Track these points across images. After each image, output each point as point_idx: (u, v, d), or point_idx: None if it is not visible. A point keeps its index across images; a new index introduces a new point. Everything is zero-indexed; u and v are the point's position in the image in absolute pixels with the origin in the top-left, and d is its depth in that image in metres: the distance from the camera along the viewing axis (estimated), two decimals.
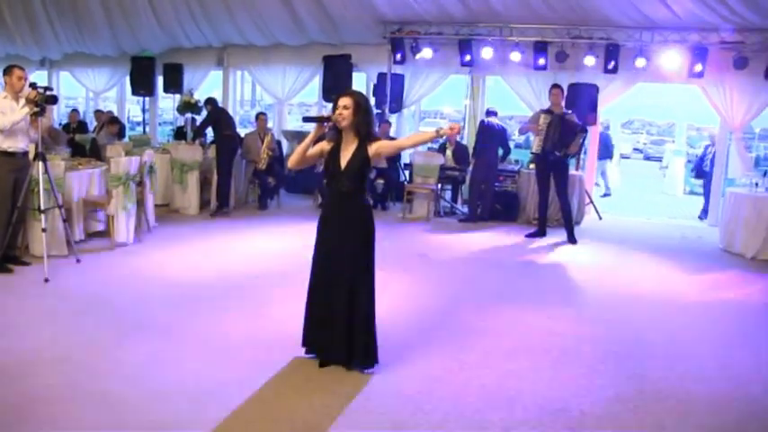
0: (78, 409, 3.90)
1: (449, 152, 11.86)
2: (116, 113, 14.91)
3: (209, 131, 11.44)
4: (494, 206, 11.14)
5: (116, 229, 8.11)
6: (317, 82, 13.93)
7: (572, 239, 9.57)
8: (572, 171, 10.76)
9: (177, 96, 14.71)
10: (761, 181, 9.61)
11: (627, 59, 11.05)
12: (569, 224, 9.73)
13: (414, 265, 7.92)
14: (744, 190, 9.71)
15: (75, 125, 13.98)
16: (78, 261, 7.29)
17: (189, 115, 13.71)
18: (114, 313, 5.68)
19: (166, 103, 16.78)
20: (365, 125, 4.45)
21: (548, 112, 9.50)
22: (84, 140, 12.84)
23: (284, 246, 8.76)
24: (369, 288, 4.58)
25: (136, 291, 6.40)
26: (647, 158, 30.01)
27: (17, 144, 6.77)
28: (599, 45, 11.12)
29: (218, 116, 11.01)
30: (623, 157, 23.96)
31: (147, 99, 15.64)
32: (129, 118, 19.52)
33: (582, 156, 11.88)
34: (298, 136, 13.81)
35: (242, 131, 15.20)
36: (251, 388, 4.26)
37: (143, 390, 4.19)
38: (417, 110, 14.05)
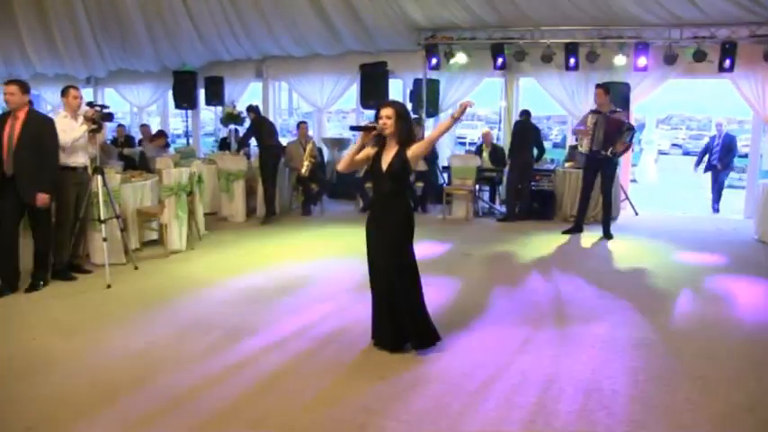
0: (147, 400, 4.27)
1: (485, 154, 12.14)
2: (160, 127, 15.45)
3: (253, 141, 11.74)
4: (531, 205, 11.39)
5: (169, 237, 8.55)
6: (354, 90, 14.29)
7: (608, 235, 9.78)
8: None
9: (218, 108, 15.22)
10: None
11: (657, 57, 11.22)
12: (607, 220, 9.94)
13: (457, 263, 8.22)
14: None
15: (123, 139, 14.54)
16: (136, 268, 7.71)
17: (232, 126, 14.17)
18: (174, 314, 6.09)
19: (205, 114, 17.31)
20: (405, 132, 4.87)
21: (596, 112, 9.71)
22: (132, 154, 13.38)
23: (330, 248, 9.13)
24: (413, 277, 4.98)
25: (192, 293, 6.79)
26: (686, 153, 29.83)
27: (78, 159, 7.22)
28: (629, 44, 11.30)
29: (260, 126, 11.28)
30: (661, 153, 23.94)
31: (188, 112, 16.18)
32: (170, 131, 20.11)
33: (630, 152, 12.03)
34: (337, 143, 14.25)
35: (282, 140, 15.71)
36: (303, 379, 4.62)
37: (206, 381, 4.56)
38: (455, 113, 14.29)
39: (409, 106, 12.04)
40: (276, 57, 14.60)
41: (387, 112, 4.84)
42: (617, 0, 10.47)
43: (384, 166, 4.88)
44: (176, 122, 19.47)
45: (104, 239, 7.14)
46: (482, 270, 8.00)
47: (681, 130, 34.71)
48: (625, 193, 12.09)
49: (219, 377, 4.63)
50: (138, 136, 15.31)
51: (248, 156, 11.78)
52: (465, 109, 4.83)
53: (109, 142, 13.72)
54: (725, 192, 13.04)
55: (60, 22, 13.63)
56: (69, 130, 7.02)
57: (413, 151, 4.84)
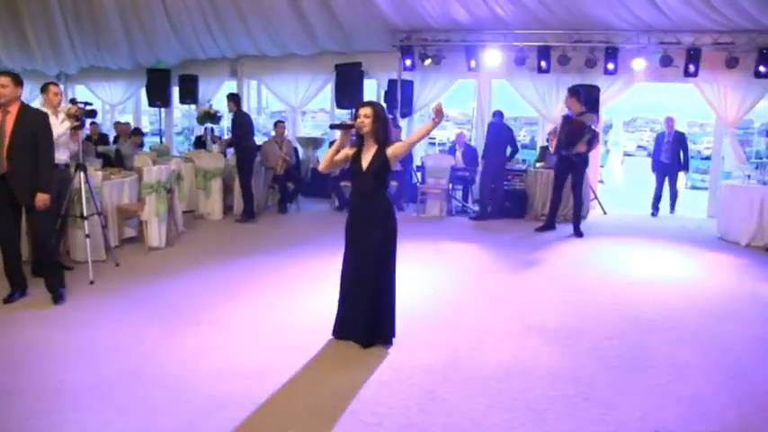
0: (144, 389, 4.40)
1: (459, 153, 12.38)
2: (132, 125, 15.42)
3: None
4: (503, 204, 11.66)
5: (149, 234, 8.60)
6: (329, 90, 14.43)
7: (578, 233, 10.08)
8: None
9: (191, 107, 15.25)
10: (753, 173, 10.16)
11: (626, 61, 11.58)
12: (577, 219, 10.25)
13: (431, 259, 8.45)
14: (738, 182, 10.26)
15: (97, 137, 14.49)
16: (117, 265, 7.78)
17: (208, 125, 14.23)
18: (159, 309, 6.19)
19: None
20: (382, 131, 5.00)
21: (566, 117, 10.08)
22: (107, 151, 13.35)
23: (307, 243, 9.29)
24: (391, 275, 5.15)
25: (176, 288, 6.91)
26: (650, 155, 30.27)
27: (60, 156, 7.05)
28: (599, 48, 11.64)
29: (246, 119, 11.18)
30: (627, 154, 24.40)
31: (162, 110, 16.15)
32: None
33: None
34: (312, 142, 14.37)
35: (255, 140, 15.78)
36: (293, 366, 4.80)
37: (198, 371, 4.71)
38: (427, 114, 14.53)
39: (384, 106, 12.21)
40: (251, 56, 14.70)
41: (365, 111, 4.97)
42: (588, 6, 10.80)
43: (364, 165, 5.00)
44: (146, 120, 19.40)
45: (87, 236, 7.16)
46: (456, 266, 8.22)
47: (645, 132, 35.31)
48: (594, 193, 12.43)
49: (210, 368, 4.77)
50: (110, 133, 15.29)
51: (225, 154, 11.87)
52: (441, 110, 4.91)
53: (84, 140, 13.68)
54: (692, 192, 13.27)
55: (33, 17, 13.58)
56: (53, 127, 6.83)
57: (393, 151, 4.98)
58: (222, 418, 4.00)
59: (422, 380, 4.60)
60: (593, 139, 10.00)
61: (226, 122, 16.43)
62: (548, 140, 10.96)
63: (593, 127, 10.07)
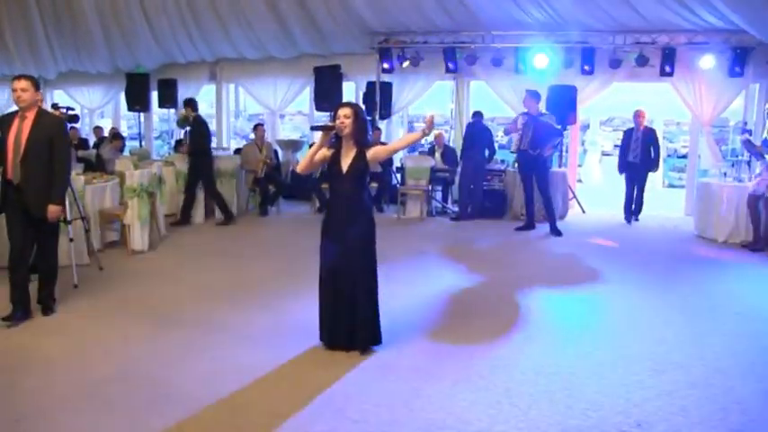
0: (131, 390, 4.44)
1: (438, 154, 12.46)
2: (105, 129, 15.35)
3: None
4: (483, 204, 11.74)
5: (132, 238, 8.60)
6: (307, 92, 14.47)
7: (555, 231, 10.20)
8: (555, 168, 11.48)
9: (170, 111, 15.21)
10: (729, 171, 10.35)
11: (602, 61, 11.74)
12: (552, 217, 10.39)
13: (412, 260, 8.52)
14: (714, 180, 10.44)
15: (77, 142, 14.42)
16: (101, 269, 7.76)
17: (188, 129, 14.19)
18: (144, 311, 6.21)
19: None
20: (362, 132, 4.97)
21: (526, 114, 10.20)
22: (87, 156, 13.30)
23: (289, 245, 9.34)
24: (373, 277, 5.12)
25: (159, 291, 6.93)
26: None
27: None
28: (576, 48, 11.79)
29: (204, 125, 11.12)
30: (605, 154, 24.60)
31: (140, 114, 16.08)
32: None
33: (564, 153, 12.55)
34: (292, 145, 14.41)
35: (233, 143, 15.82)
36: (279, 366, 4.86)
37: (183, 372, 4.76)
38: (405, 115, 14.63)
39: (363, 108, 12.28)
40: (230, 59, 14.70)
41: (345, 111, 4.92)
42: (564, 7, 10.92)
43: (344, 167, 4.97)
44: (124, 125, 19.30)
45: (71, 240, 7.16)
46: (437, 266, 8.30)
47: (622, 132, 35.58)
48: (573, 192, 12.56)
49: (197, 370, 4.81)
50: (89, 138, 15.22)
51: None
52: (432, 122, 4.93)
53: None
54: (669, 191, 13.25)
55: (13, 21, 13.54)
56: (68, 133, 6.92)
57: (373, 155, 4.99)
58: (208, 419, 4.05)
59: (407, 377, 4.67)
60: (560, 143, 10.15)
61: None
62: (506, 134, 11.16)
63: (557, 128, 10.26)
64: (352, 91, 14.15)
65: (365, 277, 5.06)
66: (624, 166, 11.47)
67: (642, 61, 11.43)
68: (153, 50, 14.29)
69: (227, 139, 15.94)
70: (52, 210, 5.71)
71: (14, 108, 5.79)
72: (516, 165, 11.73)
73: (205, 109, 18.22)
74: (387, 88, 13.25)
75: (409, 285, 7.17)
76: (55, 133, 5.76)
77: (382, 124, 13.28)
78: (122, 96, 15.89)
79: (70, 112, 7.36)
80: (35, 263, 6.04)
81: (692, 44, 11.26)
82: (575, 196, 12.61)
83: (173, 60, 14.84)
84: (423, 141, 16.01)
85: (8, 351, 5.16)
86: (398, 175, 12.79)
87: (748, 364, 5.04)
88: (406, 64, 12.63)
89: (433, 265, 8.37)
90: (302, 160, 5.19)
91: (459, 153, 12.19)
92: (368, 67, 13.20)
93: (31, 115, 5.67)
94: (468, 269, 8.15)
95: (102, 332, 5.62)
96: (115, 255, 8.55)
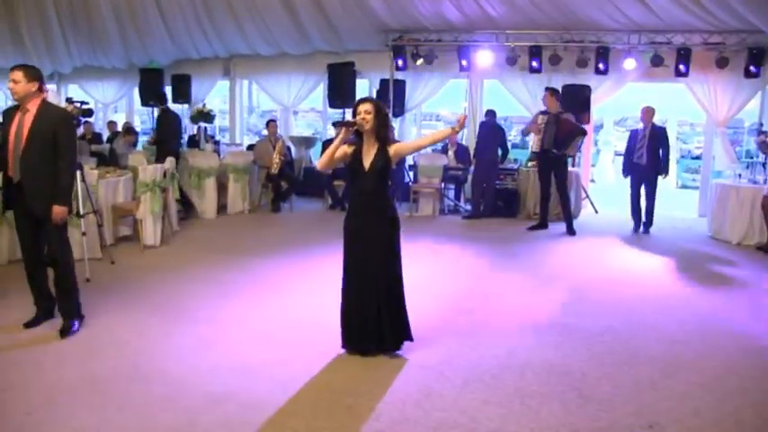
0: (142, 386, 4.46)
1: (451, 153, 12.43)
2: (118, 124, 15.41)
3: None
4: (495, 203, 11.72)
5: (144, 232, 8.64)
6: (321, 89, 14.47)
7: (571, 231, 10.16)
8: (569, 168, 11.40)
9: (184, 107, 15.25)
10: (744, 172, 10.27)
11: (617, 61, 11.68)
12: (569, 217, 10.33)
13: (424, 258, 8.49)
14: (729, 181, 10.38)
15: (91, 136, 14.50)
16: (113, 263, 7.82)
17: (202, 124, 14.26)
18: (156, 306, 6.23)
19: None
20: (384, 128, 4.85)
21: (545, 113, 10.13)
22: (100, 151, 13.37)
23: (302, 241, 9.34)
24: (400, 276, 5.00)
25: (172, 286, 6.96)
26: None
27: None
28: (590, 48, 11.74)
29: (172, 119, 11.04)
30: (618, 154, 24.47)
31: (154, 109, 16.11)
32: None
33: (578, 154, 12.47)
34: (305, 141, 14.42)
35: (246, 139, 15.85)
36: (290, 363, 4.87)
37: (196, 368, 4.77)
38: (418, 113, 14.60)
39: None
40: (244, 55, 14.73)
41: (366, 107, 4.79)
42: (579, 6, 10.88)
43: (366, 164, 4.83)
44: (137, 120, 19.36)
45: (83, 234, 7.20)
46: (449, 264, 8.29)
47: None
48: (586, 192, 12.51)
49: (209, 365, 4.82)
50: (103, 132, 15.29)
51: (218, 152, 11.90)
52: (464, 121, 4.87)
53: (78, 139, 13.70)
54: (683, 192, 13.08)
55: (29, 17, 13.61)
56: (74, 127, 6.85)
57: (396, 150, 4.87)
58: (220, 415, 4.06)
59: (417, 376, 4.67)
60: (582, 143, 10.06)
61: (219, 122, 16.54)
62: (523, 134, 11.08)
63: (582, 127, 10.17)
64: (365, 88, 14.11)
65: (392, 276, 4.95)
66: (628, 168, 10.61)
67: (657, 61, 11.36)
68: (167, 46, 14.36)
69: (241, 136, 16.00)
70: (57, 211, 5.25)
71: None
72: (529, 164, 11.71)
73: (218, 105, 18.39)
74: (400, 86, 13.23)
75: (420, 283, 7.13)
76: (58, 127, 5.28)
77: (395, 122, 13.25)
78: (136, 91, 15.94)
79: (84, 107, 7.35)
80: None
81: (707, 44, 11.18)
82: (587, 196, 12.56)
83: (186, 56, 14.91)
84: None
85: (20, 345, 5.18)
86: (411, 173, 12.78)
87: (762, 366, 5.01)
88: (419, 62, 12.61)
89: (445, 263, 8.36)
90: (322, 157, 5.02)
91: (471, 152, 12.15)
92: (381, 65, 13.19)
93: (33, 108, 5.25)
94: (480, 268, 8.15)
95: (114, 327, 5.63)
96: (128, 249, 8.60)
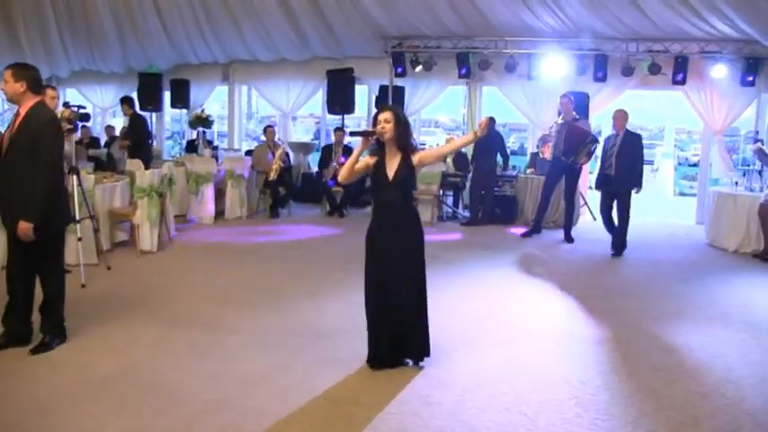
0: (137, 392, 4.42)
1: (449, 159, 12.43)
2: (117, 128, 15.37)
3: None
4: (493, 210, 11.72)
5: (141, 238, 8.58)
6: (320, 95, 14.47)
7: (569, 238, 10.16)
8: None
9: (182, 112, 15.26)
10: (740, 180, 10.30)
11: (615, 68, 11.71)
12: (569, 225, 10.35)
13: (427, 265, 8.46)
14: (726, 189, 10.40)
15: (88, 141, 14.48)
16: (109, 268, 7.75)
17: (200, 129, 14.25)
18: (152, 312, 6.18)
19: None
20: (405, 136, 4.72)
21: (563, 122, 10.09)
22: (98, 155, 13.35)
23: (299, 249, 9.32)
24: (424, 288, 4.92)
25: (168, 292, 6.91)
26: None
27: None
28: (589, 55, 11.75)
29: (142, 124, 11.06)
30: None
31: (153, 114, 16.08)
32: None
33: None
34: (303, 147, 14.43)
35: (245, 145, 15.84)
36: (289, 370, 4.84)
37: (194, 374, 4.74)
38: (418, 119, 14.60)
39: (374, 112, 12.28)
40: (243, 60, 14.72)
41: (385, 115, 4.66)
42: (578, 14, 10.89)
43: (390, 174, 4.69)
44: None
45: (79, 239, 7.16)
46: (448, 271, 8.25)
47: None
48: (584, 199, 12.51)
49: (205, 372, 4.79)
50: (101, 137, 15.28)
51: (216, 158, 11.89)
52: (486, 125, 4.81)
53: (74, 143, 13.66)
54: (680, 199, 13.03)
55: (27, 19, 13.57)
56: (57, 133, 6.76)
57: (420, 159, 4.74)
58: (217, 423, 4.03)
59: (416, 384, 4.64)
60: (594, 150, 9.87)
61: (217, 126, 16.50)
62: (538, 147, 11.06)
63: (594, 135, 10.12)
64: (364, 94, 14.18)
65: (417, 288, 4.85)
66: (600, 180, 9.71)
67: (655, 69, 11.40)
68: (166, 51, 14.35)
69: (239, 141, 15.99)
70: (21, 227, 4.74)
71: None
72: (528, 170, 11.72)
73: (218, 110, 18.38)
74: (399, 92, 13.22)
75: None
76: (40, 132, 4.79)
77: None
78: (134, 96, 15.88)
79: (81, 111, 7.29)
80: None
81: (704, 53, 11.25)
82: (586, 203, 12.56)
83: (185, 61, 14.88)
84: (434, 145, 15.94)
85: (12, 351, 5.09)
86: None
87: (760, 375, 4.99)
88: (418, 68, 12.62)
89: (442, 269, 8.33)
90: (343, 169, 4.82)
91: (470, 158, 12.15)
92: (381, 71, 13.21)
93: (23, 111, 4.87)
94: (477, 274, 8.14)
95: (109, 332, 5.58)
96: (124, 255, 8.55)
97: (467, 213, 12.21)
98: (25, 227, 4.74)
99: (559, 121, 10.08)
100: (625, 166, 9.07)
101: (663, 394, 4.56)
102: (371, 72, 13.51)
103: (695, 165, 16.14)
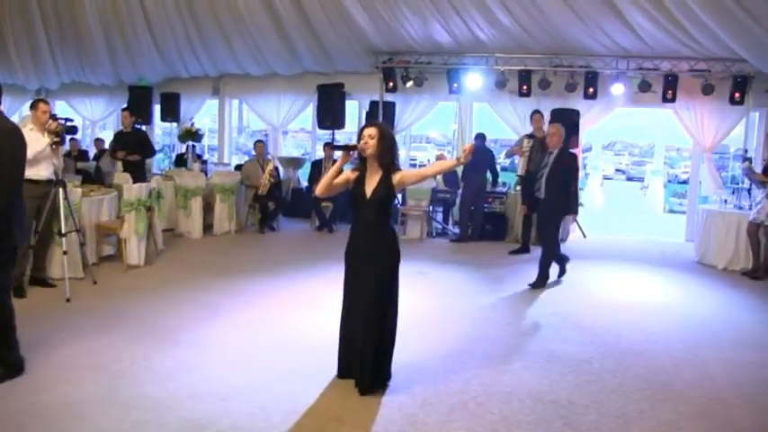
0: (121, 410, 4.35)
1: (439, 176, 12.42)
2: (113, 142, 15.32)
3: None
4: (483, 226, 11.69)
5: (128, 252, 8.51)
6: (311, 110, 14.44)
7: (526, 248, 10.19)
8: None
9: (172, 125, 15.21)
10: (729, 198, 10.33)
11: (605, 86, 11.74)
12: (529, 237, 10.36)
13: (412, 281, 8.40)
14: (715, 207, 10.42)
15: (77, 153, 14.42)
16: (95, 282, 7.69)
17: (190, 143, 14.21)
18: (136, 328, 6.10)
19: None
20: (389, 154, 4.62)
21: (531, 136, 10.14)
22: (86, 168, 13.29)
23: (288, 263, 9.24)
24: (395, 312, 4.86)
25: (155, 308, 6.84)
26: (629, 179, 30.71)
27: (40, 172, 6.99)
28: (579, 73, 11.79)
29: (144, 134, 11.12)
30: (606, 178, 24.64)
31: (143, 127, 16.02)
32: None
33: None
34: (293, 162, 14.38)
35: (235, 159, 15.78)
36: (273, 388, 4.78)
37: (177, 392, 4.66)
38: (408, 135, 14.60)
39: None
40: (233, 75, 14.67)
41: (370, 131, 4.59)
42: (569, 31, 10.93)
43: (368, 192, 4.63)
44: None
45: (65, 253, 7.09)
46: (437, 289, 8.23)
47: (624, 156, 35.71)
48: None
49: (190, 389, 4.72)
50: (90, 149, 15.21)
51: (206, 172, 11.83)
52: (471, 151, 4.74)
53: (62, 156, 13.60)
54: (670, 216, 12.98)
55: (16, 32, 13.52)
56: (35, 143, 6.66)
57: (400, 179, 4.62)
58: None
59: (402, 403, 4.59)
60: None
61: (207, 140, 16.44)
62: (508, 156, 11.06)
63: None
64: (355, 109, 14.14)
65: (387, 312, 4.76)
66: (530, 199, 9.32)
67: (645, 87, 11.44)
68: (156, 64, 14.28)
69: (229, 155, 15.92)
70: None
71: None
72: (517, 187, 11.69)
73: (208, 124, 18.31)
74: (390, 108, 13.21)
75: (406, 307, 7.05)
76: (2, 146, 4.50)
77: None
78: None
79: (68, 123, 7.24)
80: None
81: (693, 71, 11.29)
82: (576, 220, 12.54)
83: (176, 74, 14.81)
84: (425, 162, 15.89)
85: None
86: (399, 196, 12.74)
87: (749, 395, 4.97)
88: (409, 84, 12.62)
89: (431, 286, 8.29)
90: (320, 182, 4.73)
91: (460, 175, 12.14)
92: (371, 86, 13.21)
93: None
94: (465, 292, 8.08)
95: (93, 349, 5.50)
96: (111, 269, 8.48)
97: (456, 230, 12.17)
98: None
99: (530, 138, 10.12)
100: (554, 190, 8.21)
101: (651, 414, 4.53)
102: (362, 87, 13.49)
103: (685, 182, 16.18)
